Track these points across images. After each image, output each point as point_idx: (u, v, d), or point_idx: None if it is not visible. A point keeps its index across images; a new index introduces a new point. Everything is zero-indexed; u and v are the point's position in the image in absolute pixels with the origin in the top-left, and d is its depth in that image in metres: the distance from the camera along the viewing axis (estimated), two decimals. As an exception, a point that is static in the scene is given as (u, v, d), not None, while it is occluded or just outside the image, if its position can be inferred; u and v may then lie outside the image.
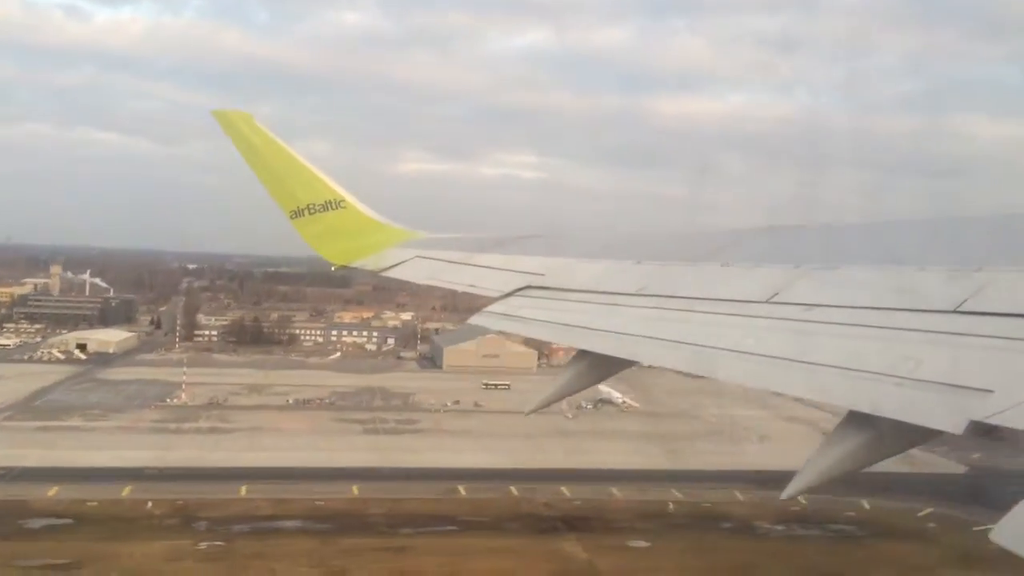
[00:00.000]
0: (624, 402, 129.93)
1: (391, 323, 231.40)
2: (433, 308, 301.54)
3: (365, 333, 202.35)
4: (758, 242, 9.24)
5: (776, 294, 6.97)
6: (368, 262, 17.39)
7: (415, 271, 15.51)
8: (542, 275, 10.93)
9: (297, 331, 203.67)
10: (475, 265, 13.45)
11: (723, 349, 6.62)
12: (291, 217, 18.43)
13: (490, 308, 10.75)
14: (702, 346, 6.84)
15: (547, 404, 9.45)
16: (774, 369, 6.05)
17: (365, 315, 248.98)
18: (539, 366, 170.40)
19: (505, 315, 10.27)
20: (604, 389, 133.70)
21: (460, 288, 12.98)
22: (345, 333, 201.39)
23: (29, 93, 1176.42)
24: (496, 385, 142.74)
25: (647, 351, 7.49)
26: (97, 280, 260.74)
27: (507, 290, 10.96)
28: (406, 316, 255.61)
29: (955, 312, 5.40)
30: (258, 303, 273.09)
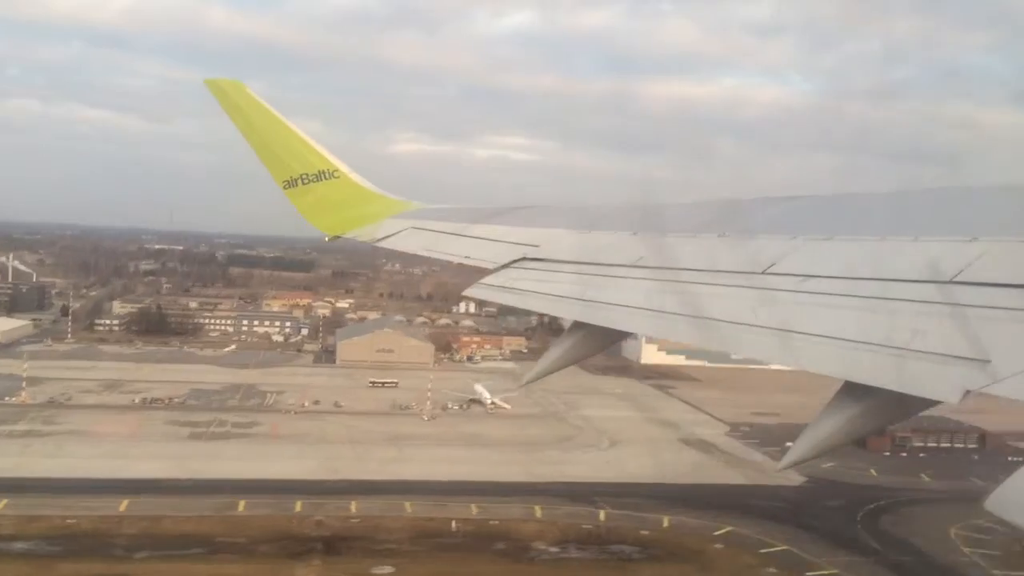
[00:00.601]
0: (493, 403, 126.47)
1: (321, 312, 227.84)
2: (380, 295, 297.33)
3: (279, 323, 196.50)
4: (754, 213, 9.17)
5: (773, 265, 6.96)
6: (361, 232, 17.07)
7: (409, 242, 15.21)
8: (538, 246, 10.82)
9: (206, 320, 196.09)
10: (470, 236, 13.22)
11: (719, 320, 6.61)
12: (284, 187, 18.11)
13: (486, 280, 10.57)
14: (698, 317, 6.82)
15: (541, 376, 9.05)
16: (770, 340, 6.00)
17: (303, 301, 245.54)
18: (442, 360, 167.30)
19: (501, 287, 10.14)
20: (478, 388, 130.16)
21: (455, 259, 12.75)
22: (257, 323, 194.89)
23: (16, 68, 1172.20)
24: (383, 383, 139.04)
25: (643, 323, 7.49)
26: (17, 264, 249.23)
27: (502, 261, 10.80)
28: (344, 304, 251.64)
29: (952, 282, 5.37)
30: (193, 288, 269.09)
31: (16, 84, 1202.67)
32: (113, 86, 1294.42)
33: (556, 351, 8.58)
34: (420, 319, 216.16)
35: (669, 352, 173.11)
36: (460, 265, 12.58)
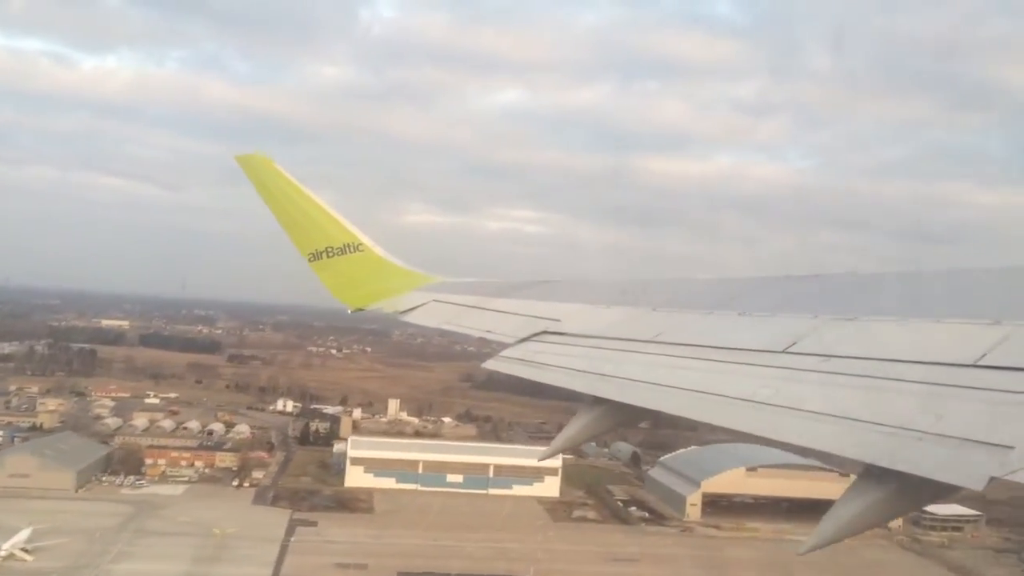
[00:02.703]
0: (9, 555, 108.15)
1: (98, 411, 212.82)
2: (227, 386, 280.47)
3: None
4: (775, 291, 9.25)
5: (794, 343, 6.95)
6: (384, 305, 17.22)
7: (431, 315, 15.34)
8: (558, 320, 10.89)
9: None
10: (491, 310, 13.37)
11: (739, 399, 6.53)
12: (309, 260, 18.50)
13: (505, 353, 10.55)
14: (718, 395, 6.77)
15: (555, 452, 9.03)
16: (790, 420, 5.95)
17: (120, 395, 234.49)
18: (101, 483, 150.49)
19: (521, 360, 10.09)
20: (24, 532, 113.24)
21: (475, 333, 12.77)
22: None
23: (31, 137, 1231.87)
24: None
25: (662, 399, 7.41)
26: None
27: (523, 335, 10.84)
28: (156, 399, 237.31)
29: (975, 366, 5.37)
30: (27, 375, 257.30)
31: (31, 153, 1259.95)
32: (126, 155, 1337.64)
33: (574, 427, 8.31)
34: (186, 425, 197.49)
35: (377, 475, 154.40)
36: (480, 339, 12.47)
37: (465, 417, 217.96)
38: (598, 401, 8.06)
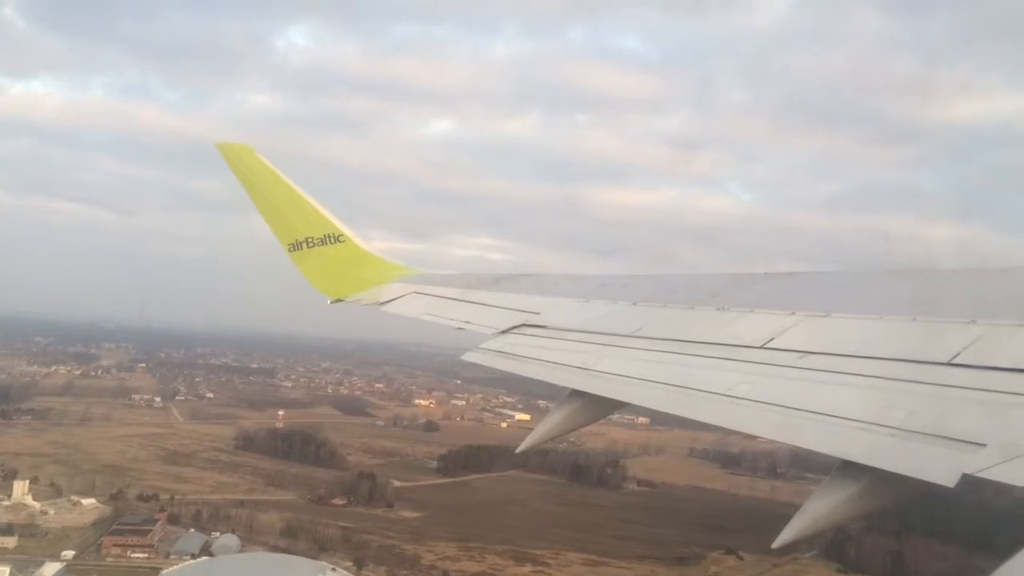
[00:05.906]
0: None
1: None
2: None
3: None
4: (754, 287, 9.25)
5: (771, 340, 6.99)
6: (364, 296, 17.13)
7: (411, 306, 15.34)
8: (537, 313, 10.82)
9: None
10: (471, 302, 13.32)
11: (716, 393, 6.56)
12: (289, 250, 18.50)
13: (484, 345, 10.40)
14: (695, 390, 6.79)
15: (536, 444, 8.68)
16: (766, 415, 6.00)
17: None
18: None
19: (499, 352, 9.99)
20: None
21: (454, 324, 12.59)
22: None
23: None
24: None
25: (640, 393, 7.37)
26: None
27: (502, 328, 10.73)
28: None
29: (949, 364, 5.41)
30: None
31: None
32: (74, 180, 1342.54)
33: (552, 419, 8.22)
34: None
35: None
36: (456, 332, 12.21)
37: (118, 496, 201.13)
38: (577, 394, 7.94)
